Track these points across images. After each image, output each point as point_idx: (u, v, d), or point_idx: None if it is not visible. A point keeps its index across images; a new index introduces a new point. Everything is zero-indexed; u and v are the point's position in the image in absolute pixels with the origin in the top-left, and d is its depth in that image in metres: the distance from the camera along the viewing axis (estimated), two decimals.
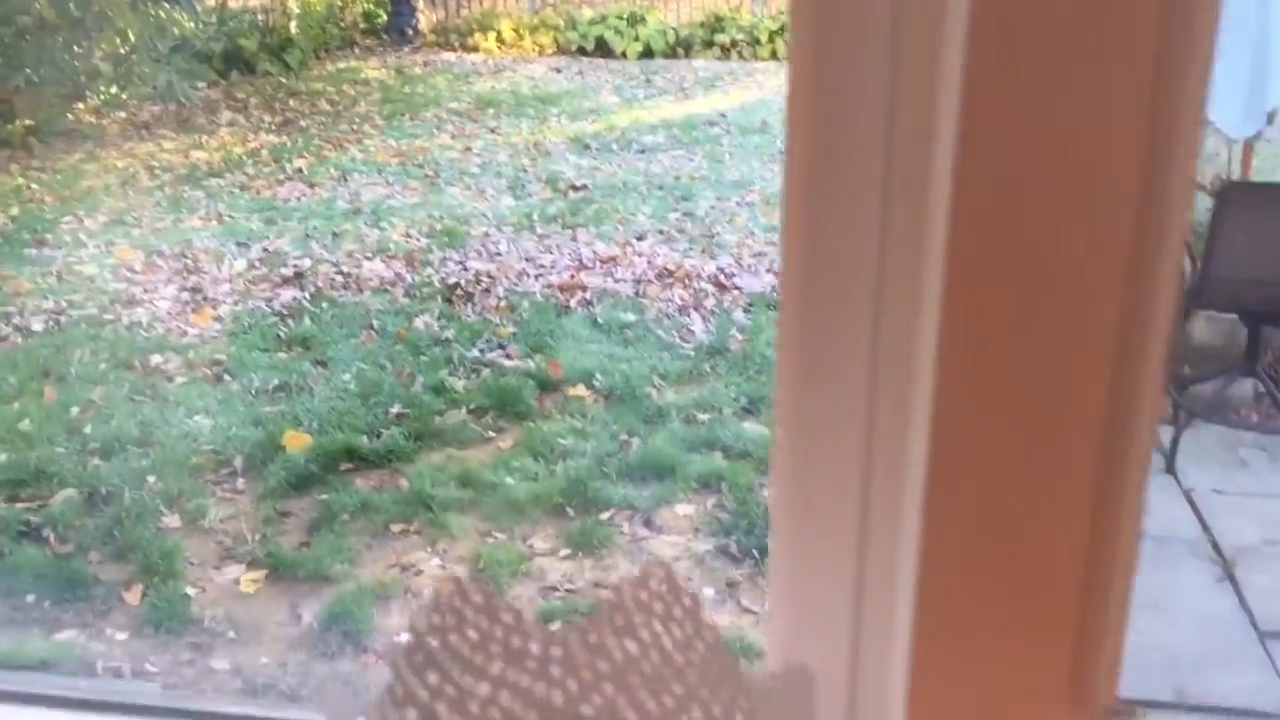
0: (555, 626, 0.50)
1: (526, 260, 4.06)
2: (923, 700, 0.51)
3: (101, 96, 5.84)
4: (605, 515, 2.63)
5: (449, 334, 3.51)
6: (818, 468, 0.55)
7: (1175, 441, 3.04)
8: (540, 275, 3.92)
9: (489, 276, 3.91)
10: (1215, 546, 2.62)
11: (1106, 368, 0.46)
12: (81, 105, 5.81)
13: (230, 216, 4.56)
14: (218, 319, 3.60)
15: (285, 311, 3.63)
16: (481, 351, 3.42)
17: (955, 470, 0.48)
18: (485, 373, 3.30)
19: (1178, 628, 2.31)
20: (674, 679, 0.49)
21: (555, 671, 0.50)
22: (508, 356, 3.40)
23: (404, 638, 0.47)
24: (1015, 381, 0.47)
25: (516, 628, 0.49)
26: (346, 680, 2.15)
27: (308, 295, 3.76)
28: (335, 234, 4.32)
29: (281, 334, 3.48)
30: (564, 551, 2.50)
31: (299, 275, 3.92)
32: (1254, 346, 3.27)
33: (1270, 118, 3.26)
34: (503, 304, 3.72)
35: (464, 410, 3.11)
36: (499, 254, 4.12)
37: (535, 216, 4.49)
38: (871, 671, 0.56)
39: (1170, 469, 2.99)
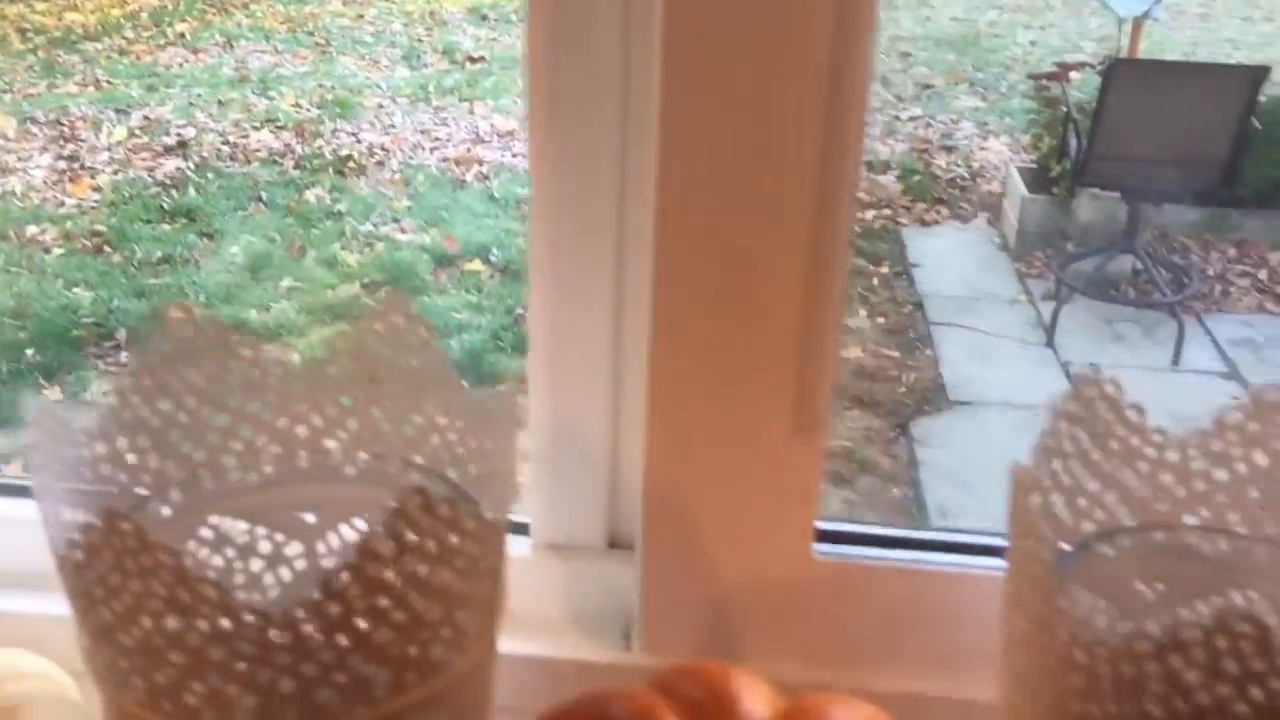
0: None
1: (421, 133, 3.96)
2: (661, 435, 0.54)
3: None
4: (500, 388, 2.65)
5: (341, 207, 3.43)
6: (574, 229, 0.56)
7: (1055, 317, 3.16)
8: (436, 148, 3.83)
9: (383, 149, 3.81)
10: None
11: (817, 124, 0.48)
12: None
13: (108, 82, 4.33)
14: (97, 189, 3.46)
15: (168, 182, 3.50)
16: (375, 225, 3.36)
17: (681, 230, 0.50)
18: (379, 246, 3.25)
19: None
20: (413, 409, 0.50)
21: (300, 406, 0.51)
22: (402, 230, 3.34)
23: (126, 362, 0.47)
24: (733, 138, 0.49)
25: (256, 360, 0.50)
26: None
27: (192, 165, 3.62)
28: (221, 102, 4.15)
29: (165, 205, 3.37)
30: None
31: (183, 144, 3.77)
32: (1133, 224, 3.38)
33: None
34: (397, 177, 3.64)
35: (357, 284, 3.07)
36: (393, 126, 4.01)
37: (431, 88, 4.36)
38: (630, 419, 0.58)
39: (1049, 343, 3.11)
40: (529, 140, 0.56)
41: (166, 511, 0.49)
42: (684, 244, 0.51)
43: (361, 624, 0.39)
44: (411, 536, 0.39)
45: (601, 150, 0.55)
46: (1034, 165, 3.87)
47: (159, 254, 3.09)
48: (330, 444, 0.52)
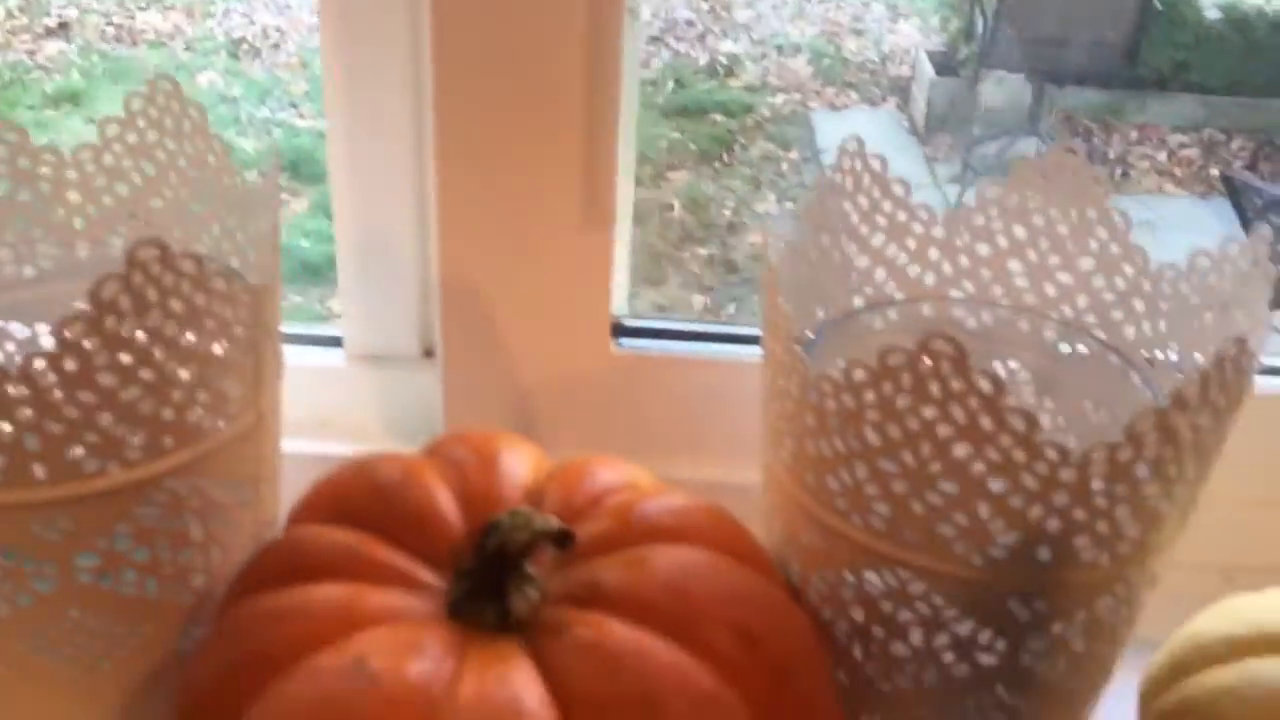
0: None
1: (318, 14, 3.83)
2: (453, 236, 0.54)
3: None
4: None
5: (236, 92, 3.31)
6: (366, 36, 0.55)
7: (959, 200, 3.20)
8: None
9: (278, 30, 3.67)
10: None
11: None
12: None
13: None
14: None
15: (50, 65, 3.34)
16: (272, 110, 3.25)
17: (460, 28, 0.50)
18: (277, 132, 3.15)
19: None
20: (192, 198, 0.50)
21: (74, 197, 0.50)
22: (300, 116, 3.24)
23: None
24: None
25: (23, 148, 0.49)
26: None
27: (75, 48, 3.46)
28: None
29: (48, 90, 3.22)
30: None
31: (64, 26, 3.59)
32: (1037, 107, 3.41)
33: None
34: (294, 60, 3.51)
35: (255, 172, 2.99)
36: (289, 6, 3.86)
37: None
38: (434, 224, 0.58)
39: None
40: None
41: None
42: (463, 42, 0.50)
43: (105, 380, 0.39)
44: (150, 290, 0.39)
45: None
46: (942, 49, 3.86)
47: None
48: (109, 237, 0.52)
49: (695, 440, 0.59)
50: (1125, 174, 3.62)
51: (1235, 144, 3.86)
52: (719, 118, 3.73)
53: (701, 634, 0.37)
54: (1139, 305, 0.49)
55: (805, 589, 0.44)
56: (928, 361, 0.37)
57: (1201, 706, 0.42)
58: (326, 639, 0.36)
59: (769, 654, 0.38)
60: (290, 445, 0.53)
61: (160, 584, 0.44)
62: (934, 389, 0.37)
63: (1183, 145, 3.73)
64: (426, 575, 0.41)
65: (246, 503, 0.46)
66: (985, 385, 0.36)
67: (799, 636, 0.40)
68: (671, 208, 3.25)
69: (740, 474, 0.58)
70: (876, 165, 0.49)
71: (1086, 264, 0.50)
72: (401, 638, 0.36)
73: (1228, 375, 0.37)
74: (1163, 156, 3.66)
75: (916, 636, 0.42)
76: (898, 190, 0.50)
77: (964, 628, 0.41)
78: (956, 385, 0.37)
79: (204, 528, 0.45)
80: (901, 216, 0.50)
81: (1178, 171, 3.61)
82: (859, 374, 0.38)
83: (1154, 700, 0.45)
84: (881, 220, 0.50)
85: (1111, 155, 3.70)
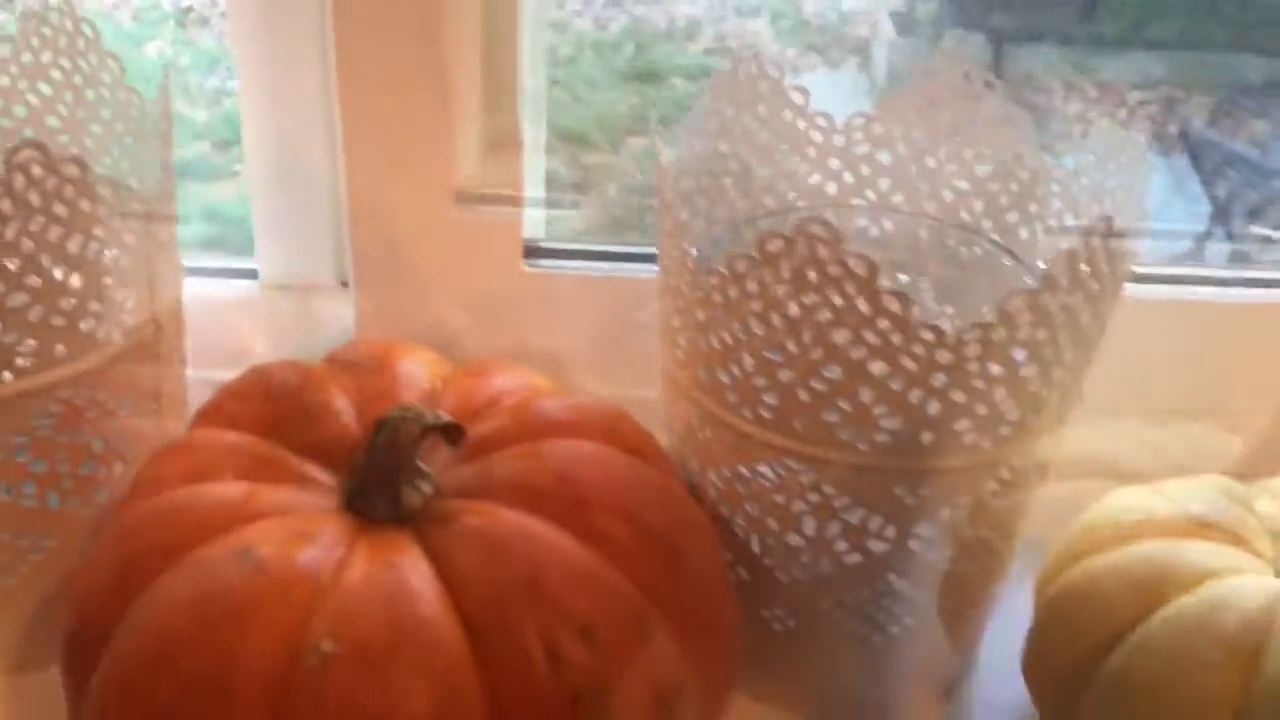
0: None
1: None
2: (360, 164, 0.54)
3: None
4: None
5: (185, 61, 3.27)
6: None
7: None
8: None
9: None
10: None
11: None
12: None
13: None
14: None
15: None
16: (222, 80, 3.21)
17: None
18: (227, 103, 3.11)
19: None
20: (91, 119, 0.50)
21: None
22: None
23: None
24: None
25: None
26: None
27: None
28: None
29: None
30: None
31: None
32: (997, 66, 3.42)
33: None
34: None
35: (207, 143, 2.95)
36: None
37: None
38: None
39: None
40: None
41: None
42: None
43: None
44: (33, 194, 0.39)
45: None
46: (902, 9, 3.85)
47: None
48: (7, 123, 0.51)
49: (608, 359, 0.60)
50: (1085, 133, 3.66)
51: (1194, 100, 3.92)
52: (679, 81, 3.73)
53: (589, 519, 0.38)
54: (1033, 207, 0.49)
55: (704, 486, 0.45)
56: (804, 247, 0.37)
57: (1085, 587, 0.43)
58: (216, 532, 0.37)
59: (656, 539, 0.38)
60: (206, 375, 0.53)
61: (62, 497, 0.44)
62: (811, 274, 0.38)
63: (1142, 102, 3.77)
64: (322, 476, 0.41)
65: (148, 416, 0.46)
66: (859, 267, 0.37)
67: (688, 524, 0.40)
68: (630, 173, 3.26)
69: (652, 391, 0.59)
70: (774, 73, 0.50)
71: (983, 169, 0.50)
72: (291, 528, 0.37)
73: (1097, 254, 0.38)
74: (1122, 114, 3.70)
75: (810, 526, 0.43)
76: (796, 99, 0.50)
77: (854, 515, 0.42)
78: (833, 269, 0.37)
79: (104, 441, 0.45)
80: (801, 125, 0.51)
81: (1137, 129, 3.65)
82: (741, 265, 0.39)
83: (1046, 589, 0.46)
84: (781, 129, 0.51)
85: (1071, 113, 3.74)
